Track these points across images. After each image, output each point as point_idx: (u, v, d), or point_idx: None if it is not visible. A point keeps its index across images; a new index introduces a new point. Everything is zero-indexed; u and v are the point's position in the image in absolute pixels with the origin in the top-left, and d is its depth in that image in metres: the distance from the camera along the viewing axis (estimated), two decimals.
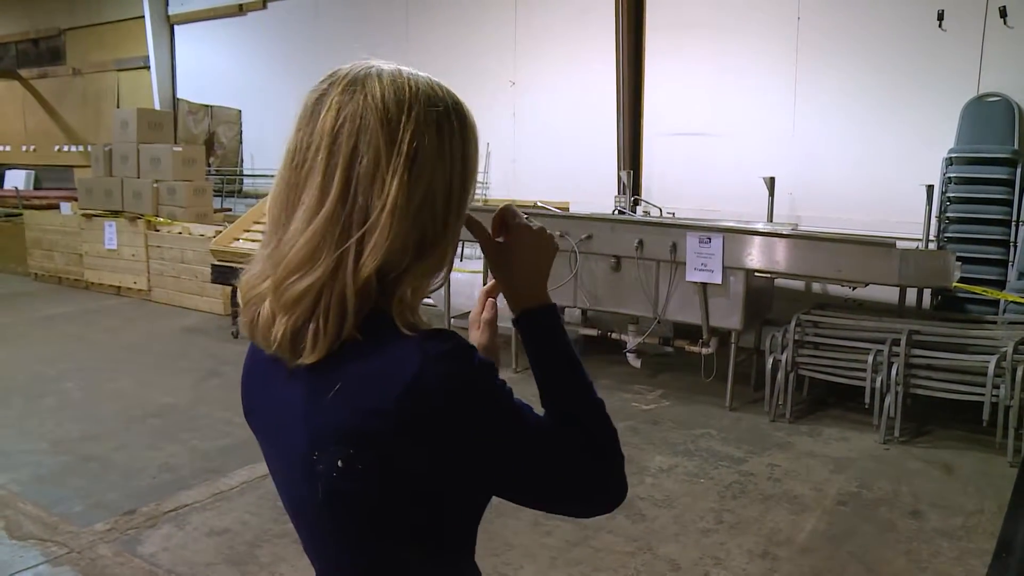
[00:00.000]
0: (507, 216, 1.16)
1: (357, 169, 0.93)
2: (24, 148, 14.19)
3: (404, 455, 0.93)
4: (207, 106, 11.08)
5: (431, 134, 0.96)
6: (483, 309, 1.29)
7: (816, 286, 6.50)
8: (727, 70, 7.07)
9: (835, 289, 6.23)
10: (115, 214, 9.31)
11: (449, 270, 1.05)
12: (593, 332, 6.35)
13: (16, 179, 13.64)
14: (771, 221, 6.45)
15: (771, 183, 6.48)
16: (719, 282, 5.33)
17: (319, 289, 0.93)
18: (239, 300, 1.02)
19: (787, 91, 6.78)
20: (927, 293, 5.89)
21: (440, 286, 1.05)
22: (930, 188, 5.78)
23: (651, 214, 7.13)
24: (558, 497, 1.07)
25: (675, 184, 7.37)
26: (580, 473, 1.07)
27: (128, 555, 3.59)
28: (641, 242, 5.54)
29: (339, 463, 0.94)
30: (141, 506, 4.05)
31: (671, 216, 6.92)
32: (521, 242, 1.15)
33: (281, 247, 0.95)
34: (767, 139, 6.90)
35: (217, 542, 3.71)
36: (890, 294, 5.84)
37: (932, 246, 5.85)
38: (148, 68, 11.80)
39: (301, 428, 0.99)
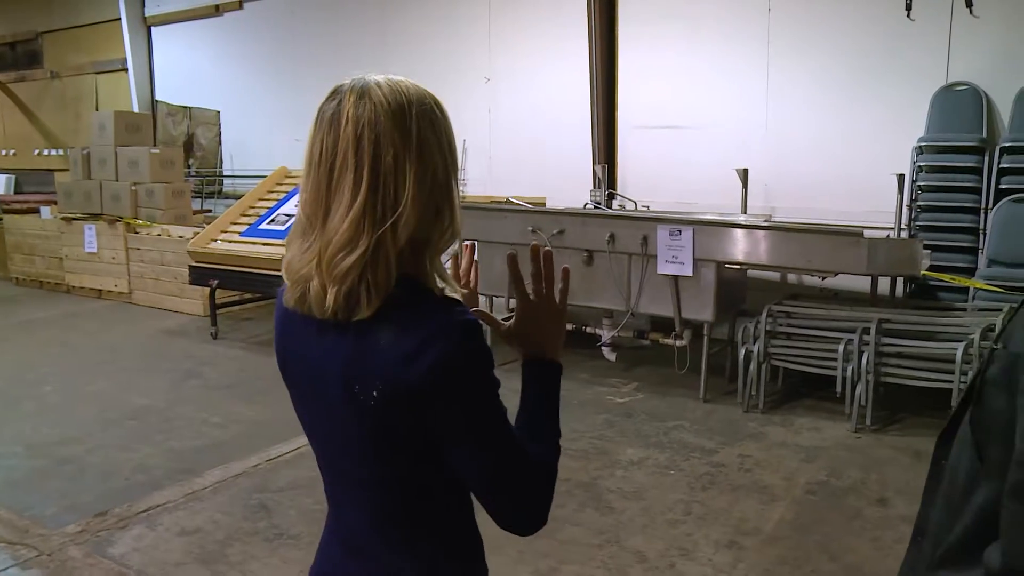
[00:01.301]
0: (515, 286, 1.36)
1: (382, 164, 1.15)
2: (3, 152, 14.11)
3: (418, 393, 1.15)
4: (186, 108, 11.05)
5: (427, 126, 1.19)
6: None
7: (792, 276, 6.55)
8: (699, 62, 7.10)
9: (810, 279, 6.27)
10: (94, 217, 9.29)
11: (458, 233, 1.26)
12: (568, 326, 6.37)
13: None
14: (745, 213, 6.48)
15: (744, 175, 6.52)
16: (690, 274, 5.36)
17: (364, 262, 1.14)
18: (285, 280, 1.24)
19: (759, 82, 6.82)
20: (900, 282, 5.94)
21: (451, 245, 1.28)
22: (901, 177, 5.83)
23: (626, 208, 7.16)
24: (492, 484, 1.24)
25: (650, 177, 7.39)
26: (518, 479, 1.25)
27: (98, 556, 3.59)
28: (612, 236, 5.57)
29: (374, 393, 1.17)
30: (113, 507, 4.06)
31: (646, 209, 6.94)
32: (527, 315, 1.36)
33: (326, 234, 1.16)
34: (741, 131, 6.93)
35: (188, 541, 3.73)
36: (865, 283, 5.89)
37: (904, 235, 5.90)
38: (126, 70, 11.76)
39: (344, 370, 1.20)
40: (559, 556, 3.54)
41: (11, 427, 5.21)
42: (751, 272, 6.15)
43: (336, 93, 1.19)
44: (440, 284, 1.23)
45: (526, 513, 1.26)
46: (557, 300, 1.36)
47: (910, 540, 1.37)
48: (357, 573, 1.33)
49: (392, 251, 1.16)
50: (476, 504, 1.30)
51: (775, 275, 6.54)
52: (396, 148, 1.15)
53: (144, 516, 3.98)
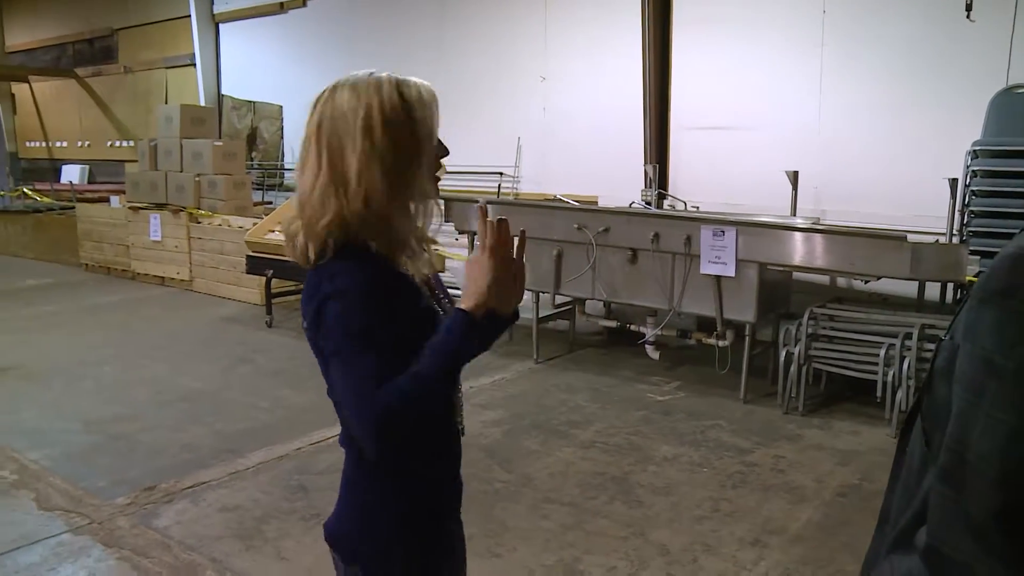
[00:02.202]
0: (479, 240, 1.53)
1: (331, 149, 1.47)
2: (79, 143, 14.71)
3: (311, 324, 1.49)
4: (250, 102, 11.37)
5: (378, 125, 1.47)
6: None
7: (841, 280, 6.48)
8: (753, 63, 7.06)
9: (859, 283, 6.19)
10: (159, 207, 9.63)
11: (430, 215, 1.58)
12: (613, 324, 6.41)
13: (71, 174, 14.15)
14: (794, 215, 6.44)
15: (794, 177, 6.46)
16: (733, 275, 5.35)
17: (333, 224, 1.47)
18: (284, 236, 1.60)
19: (812, 84, 6.75)
20: (950, 287, 5.83)
21: (437, 223, 1.61)
22: (954, 182, 5.72)
23: (676, 208, 7.16)
24: (344, 403, 1.47)
25: (701, 178, 7.38)
26: (363, 404, 1.41)
27: (143, 527, 3.78)
28: (657, 235, 5.59)
29: (304, 323, 1.52)
30: (161, 483, 4.25)
31: (695, 210, 6.94)
32: (467, 266, 1.52)
33: (298, 197, 1.52)
34: (792, 133, 6.88)
35: (227, 518, 3.89)
36: (914, 288, 5.79)
37: (957, 240, 5.79)
38: (194, 65, 12.15)
39: (302, 303, 1.55)
40: (584, 546, 3.60)
41: (71, 404, 5.48)
42: (799, 274, 6.10)
43: (324, 90, 1.53)
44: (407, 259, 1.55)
45: (361, 434, 1.44)
46: (488, 256, 1.45)
47: (875, 526, 1.41)
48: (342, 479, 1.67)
49: (348, 216, 1.47)
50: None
51: (823, 278, 6.47)
52: (341, 137, 1.46)
53: (189, 492, 4.16)
